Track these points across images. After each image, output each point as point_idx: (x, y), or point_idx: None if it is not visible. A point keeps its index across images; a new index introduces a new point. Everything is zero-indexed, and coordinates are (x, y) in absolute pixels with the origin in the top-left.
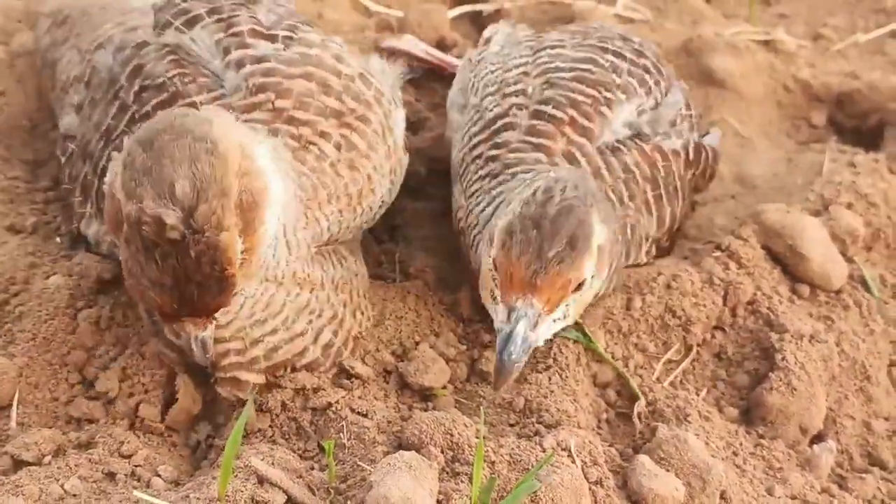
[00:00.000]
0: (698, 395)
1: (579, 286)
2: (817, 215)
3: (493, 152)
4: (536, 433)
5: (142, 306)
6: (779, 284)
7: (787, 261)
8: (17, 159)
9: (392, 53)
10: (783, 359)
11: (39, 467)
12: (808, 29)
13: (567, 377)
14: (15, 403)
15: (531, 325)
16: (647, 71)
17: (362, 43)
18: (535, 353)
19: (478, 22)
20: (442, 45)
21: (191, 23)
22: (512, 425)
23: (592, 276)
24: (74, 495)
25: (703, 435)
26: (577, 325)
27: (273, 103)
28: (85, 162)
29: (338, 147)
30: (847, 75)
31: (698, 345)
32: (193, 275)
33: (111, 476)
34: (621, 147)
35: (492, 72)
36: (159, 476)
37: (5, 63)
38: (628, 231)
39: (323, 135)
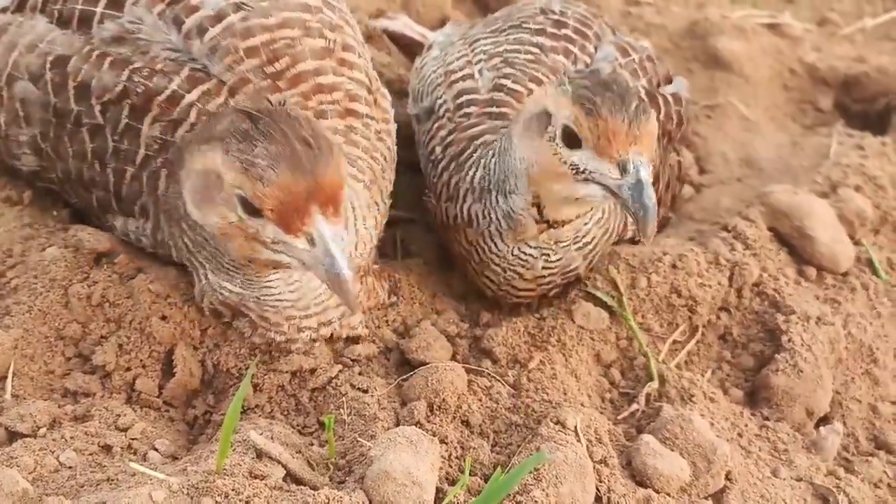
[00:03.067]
0: (703, 376)
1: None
2: (825, 197)
3: (454, 136)
4: (540, 411)
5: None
6: (785, 266)
7: (794, 242)
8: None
9: (389, 36)
10: (789, 340)
11: (34, 439)
12: (814, 13)
13: (570, 355)
14: (10, 375)
15: (646, 169)
16: (570, 40)
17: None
18: (538, 329)
19: (480, 2)
20: (444, 24)
21: (117, 4)
22: (516, 400)
23: None
24: (70, 467)
25: (707, 415)
26: (616, 293)
27: (294, 67)
28: (89, 190)
29: (366, 102)
30: (854, 59)
31: (704, 326)
32: (301, 132)
33: (107, 449)
34: None
35: (434, 71)
36: (156, 450)
37: None
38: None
39: (353, 97)
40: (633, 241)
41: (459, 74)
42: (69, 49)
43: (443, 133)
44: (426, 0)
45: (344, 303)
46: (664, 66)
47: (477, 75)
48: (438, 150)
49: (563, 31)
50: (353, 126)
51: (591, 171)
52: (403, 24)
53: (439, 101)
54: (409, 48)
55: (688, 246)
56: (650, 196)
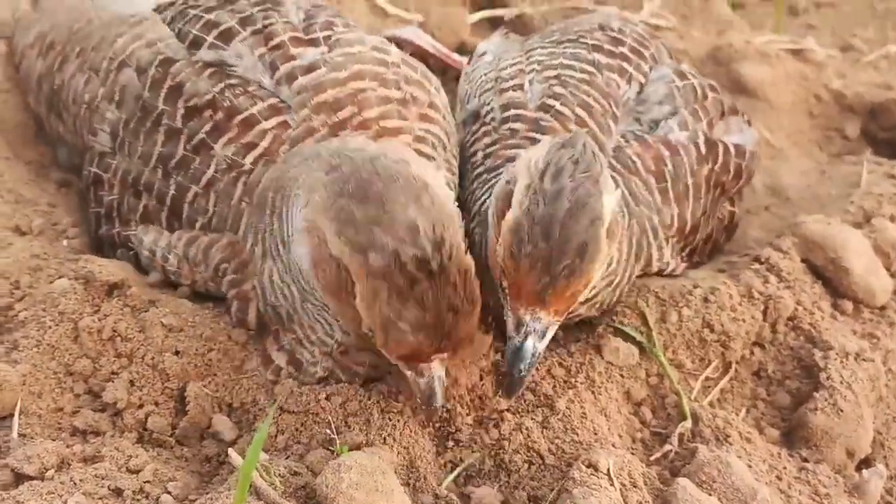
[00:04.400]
0: (738, 415)
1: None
2: (858, 228)
3: (496, 148)
4: (570, 452)
5: (389, 353)
6: (820, 299)
7: (828, 274)
8: (21, 160)
9: (396, 44)
10: (828, 377)
11: (42, 482)
12: (836, 40)
13: (599, 393)
14: (17, 413)
15: (539, 337)
16: (626, 59)
17: None
18: (566, 367)
19: (498, 27)
20: (461, 50)
21: (226, 37)
22: (547, 441)
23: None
24: None
25: (745, 457)
26: (645, 328)
27: (360, 115)
28: (140, 195)
29: (433, 147)
30: (880, 86)
31: (737, 362)
32: (453, 301)
33: (118, 492)
34: (620, 142)
35: (485, 74)
36: (169, 493)
37: (9, 60)
38: (634, 226)
39: (420, 139)
40: (661, 274)
41: (510, 83)
42: (178, 55)
43: (487, 140)
44: (442, 23)
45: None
46: (728, 98)
47: (527, 86)
48: (480, 155)
49: (620, 48)
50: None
51: (504, 297)
52: (413, 33)
53: (486, 108)
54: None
55: (720, 279)
56: (520, 370)
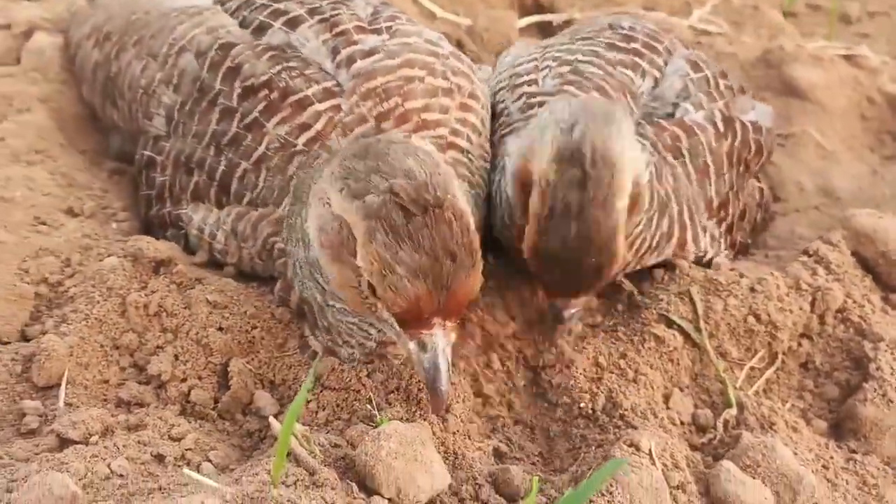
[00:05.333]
0: (784, 405)
1: None
2: None
3: (510, 129)
4: (615, 434)
5: (387, 317)
6: (871, 292)
7: (879, 268)
8: (76, 149)
9: None
10: (878, 368)
11: (86, 446)
12: (890, 48)
13: (643, 379)
14: (63, 383)
15: (577, 317)
16: (638, 54)
17: None
18: (613, 351)
19: (547, 32)
20: None
21: (293, 23)
22: (590, 423)
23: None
24: (121, 475)
25: (791, 445)
26: (691, 314)
27: (403, 105)
28: (192, 172)
29: (468, 139)
30: None
31: (784, 353)
32: (450, 243)
33: (160, 458)
34: (637, 128)
35: (501, 72)
36: (210, 461)
37: (65, 53)
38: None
39: (455, 133)
40: (701, 263)
41: (524, 79)
42: (240, 39)
43: (505, 130)
44: (490, 27)
45: (431, 402)
46: (738, 81)
47: (541, 81)
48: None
49: (632, 45)
50: (458, 159)
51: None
52: None
53: (501, 105)
54: None
55: (766, 270)
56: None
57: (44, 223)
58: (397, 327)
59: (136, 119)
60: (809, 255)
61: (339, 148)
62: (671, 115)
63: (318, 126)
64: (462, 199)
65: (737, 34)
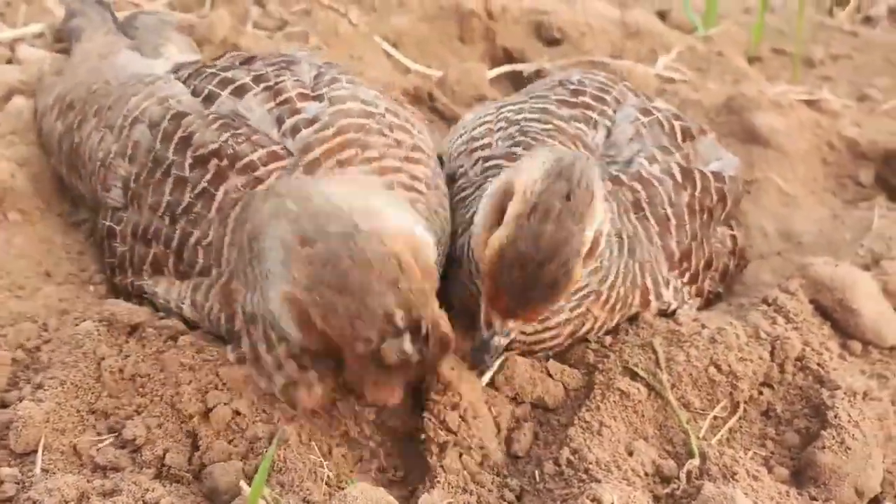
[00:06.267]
0: (746, 453)
1: None
2: (868, 270)
3: (471, 193)
4: (579, 488)
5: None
6: (829, 340)
7: (836, 316)
8: (53, 211)
9: None
10: (836, 416)
11: None
12: (852, 90)
13: (606, 430)
14: (40, 449)
15: (505, 336)
16: (588, 107)
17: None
18: (578, 402)
19: (517, 81)
20: (481, 103)
21: (239, 92)
22: (554, 478)
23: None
24: None
25: (752, 494)
26: (653, 366)
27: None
28: (150, 243)
29: (427, 186)
30: (894, 133)
31: (745, 401)
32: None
33: None
34: None
35: (460, 135)
36: None
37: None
38: (631, 269)
39: (414, 178)
40: (665, 314)
41: (479, 143)
42: (191, 109)
43: (466, 193)
44: (462, 78)
45: None
46: (695, 123)
47: (495, 145)
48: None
49: (581, 98)
50: (417, 199)
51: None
52: None
53: (461, 170)
54: None
55: (726, 319)
56: (482, 360)
57: (21, 287)
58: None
59: (97, 190)
60: (769, 304)
61: (279, 208)
62: (629, 163)
63: (264, 186)
64: (443, 319)
65: (702, 81)
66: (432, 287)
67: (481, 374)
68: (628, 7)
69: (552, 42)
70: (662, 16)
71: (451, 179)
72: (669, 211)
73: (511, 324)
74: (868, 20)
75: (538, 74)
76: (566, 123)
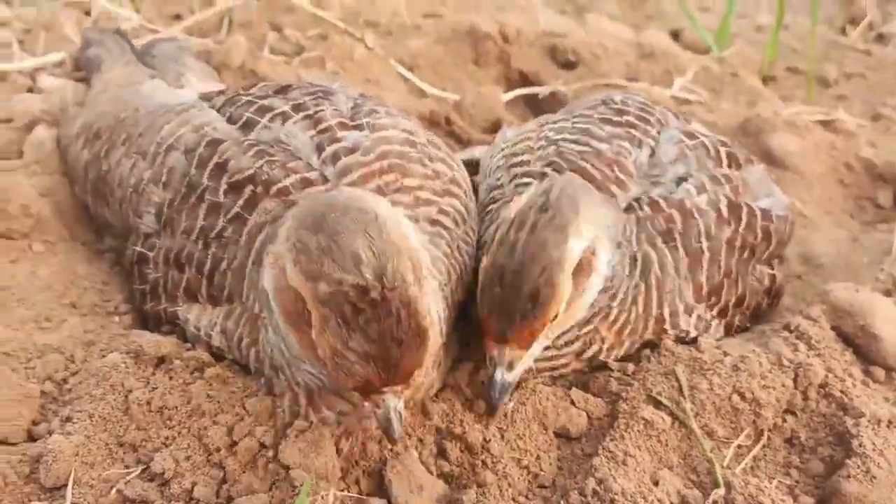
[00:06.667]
0: (771, 482)
1: (554, 317)
2: (888, 295)
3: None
4: None
5: (339, 386)
6: (851, 366)
7: (859, 342)
8: (77, 240)
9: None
10: (860, 445)
11: None
12: (867, 109)
13: (630, 460)
14: (70, 484)
15: (507, 368)
16: (632, 125)
17: None
18: (602, 431)
19: (533, 104)
20: (497, 127)
21: (279, 119)
22: None
23: (568, 303)
24: None
25: None
26: (677, 395)
27: (401, 182)
28: (183, 268)
29: (455, 222)
30: None
31: (769, 430)
32: (396, 332)
33: None
34: (633, 205)
35: (501, 150)
36: None
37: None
38: (643, 293)
39: (443, 212)
40: (685, 341)
41: (518, 159)
42: (227, 135)
43: (496, 206)
44: (478, 102)
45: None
46: (742, 151)
47: (532, 163)
48: (493, 207)
49: (625, 117)
50: (441, 233)
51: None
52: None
53: (497, 183)
54: None
55: (749, 347)
56: (494, 398)
57: (48, 319)
58: (354, 395)
59: (127, 217)
60: (790, 331)
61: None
62: (677, 183)
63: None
64: (414, 281)
65: (717, 102)
66: (408, 254)
67: (493, 412)
68: (642, 28)
69: (567, 65)
70: (675, 35)
71: (487, 191)
72: (705, 244)
73: (507, 351)
74: (881, 38)
75: (553, 97)
76: (606, 144)
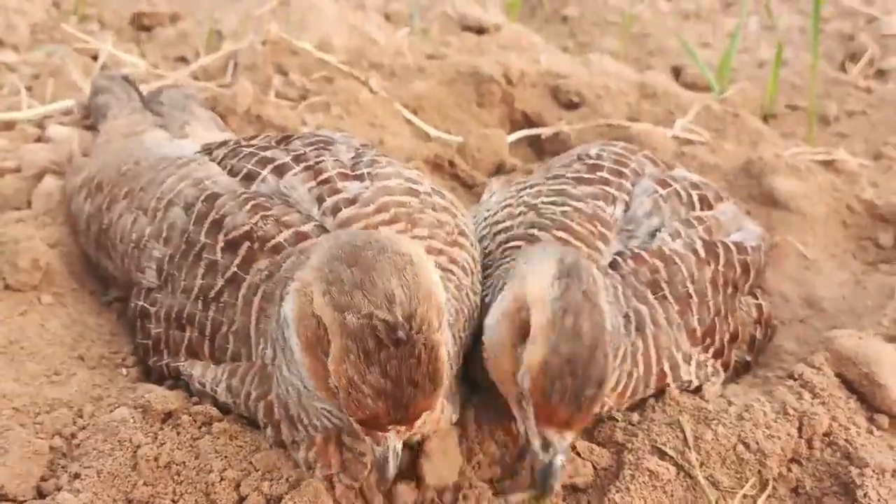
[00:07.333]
0: None
1: None
2: (892, 341)
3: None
4: None
5: (352, 419)
6: (855, 414)
7: (863, 389)
8: (86, 289)
9: None
10: (865, 495)
11: None
12: (868, 147)
13: None
14: None
15: (564, 455)
16: (606, 182)
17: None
18: (607, 482)
19: (536, 145)
20: (500, 170)
21: (280, 171)
22: None
23: None
24: None
25: None
26: (681, 445)
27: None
28: (185, 328)
29: (464, 271)
30: None
31: (774, 479)
32: (415, 374)
33: None
34: (617, 259)
35: (485, 218)
36: None
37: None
38: (642, 351)
39: (453, 261)
40: (688, 389)
41: (501, 226)
42: (225, 189)
43: (487, 272)
44: (482, 144)
45: (378, 481)
46: (711, 189)
47: (514, 230)
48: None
49: (599, 174)
50: (450, 277)
51: (525, 428)
52: None
53: (486, 250)
54: None
55: (753, 395)
56: (552, 485)
57: (57, 373)
58: (356, 425)
59: (129, 271)
60: (794, 379)
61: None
62: (651, 235)
63: (284, 272)
64: (438, 328)
65: (719, 142)
66: (435, 301)
67: (548, 495)
68: (643, 66)
69: (570, 105)
70: (677, 71)
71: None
72: (691, 288)
73: (569, 435)
74: (881, 74)
75: (556, 138)
76: (583, 203)
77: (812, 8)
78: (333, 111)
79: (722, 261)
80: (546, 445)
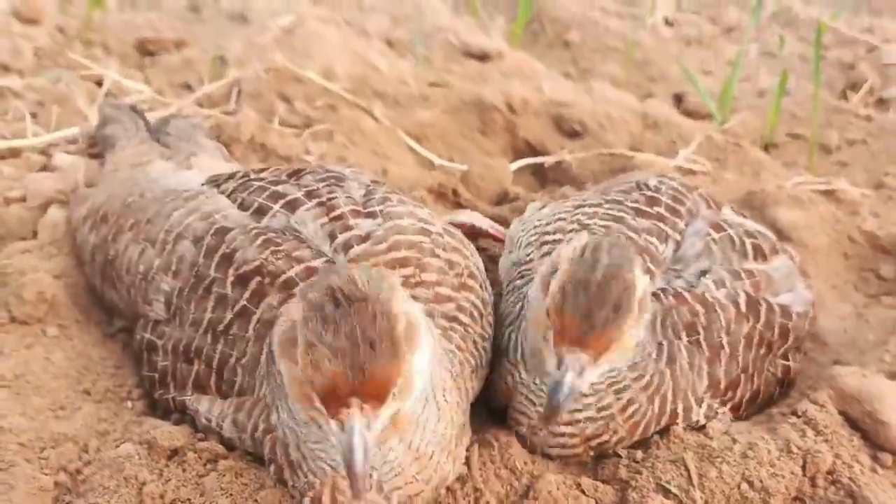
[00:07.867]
0: None
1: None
2: (894, 378)
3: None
4: None
5: (313, 396)
6: (859, 452)
7: (866, 427)
8: (91, 321)
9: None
10: None
11: None
12: (869, 177)
13: None
14: None
15: (577, 374)
16: (662, 219)
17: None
18: None
19: (539, 174)
20: (504, 198)
21: (292, 206)
22: None
23: (633, 328)
24: None
25: None
26: (685, 484)
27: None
28: (192, 361)
29: (472, 317)
30: None
31: None
32: (369, 331)
33: None
34: (659, 293)
35: (535, 226)
36: None
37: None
38: (666, 384)
39: (460, 309)
40: (694, 428)
41: (551, 238)
42: (236, 224)
43: (521, 282)
44: (485, 173)
45: (350, 485)
46: (768, 240)
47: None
48: (519, 282)
49: (656, 208)
50: (455, 328)
51: (545, 341)
52: (470, 216)
53: (527, 258)
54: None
55: (757, 433)
56: (559, 400)
57: (62, 407)
58: (322, 409)
59: (136, 303)
60: (798, 416)
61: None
62: (698, 277)
63: None
64: (401, 305)
65: (720, 172)
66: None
67: (556, 414)
68: (645, 92)
69: (573, 134)
70: (678, 98)
71: (514, 266)
72: (725, 339)
73: (582, 354)
74: (881, 102)
75: (559, 166)
76: (636, 235)
77: (814, 37)
78: (337, 139)
79: (762, 320)
80: (560, 363)
